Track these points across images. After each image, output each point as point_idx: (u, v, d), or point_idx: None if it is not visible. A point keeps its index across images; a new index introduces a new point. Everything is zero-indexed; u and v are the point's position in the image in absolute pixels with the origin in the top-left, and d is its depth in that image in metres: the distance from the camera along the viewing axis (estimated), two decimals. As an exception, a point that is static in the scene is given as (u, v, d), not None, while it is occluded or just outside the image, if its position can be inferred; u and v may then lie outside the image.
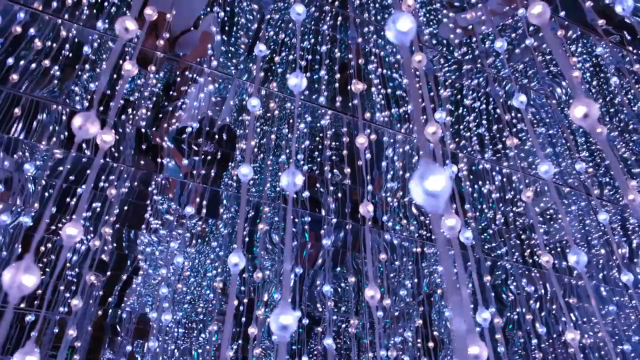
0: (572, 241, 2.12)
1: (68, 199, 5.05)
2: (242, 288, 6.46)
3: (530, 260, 6.43)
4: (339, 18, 5.44)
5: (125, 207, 5.65)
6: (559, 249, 6.84)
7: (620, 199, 5.49)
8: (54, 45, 4.56)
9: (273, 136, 5.21)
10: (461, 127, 6.11)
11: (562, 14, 4.76)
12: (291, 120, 5.71)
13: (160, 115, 5.70)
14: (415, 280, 6.26)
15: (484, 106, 5.94)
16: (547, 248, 6.72)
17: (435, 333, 6.68)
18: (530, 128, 2.09)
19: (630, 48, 4.72)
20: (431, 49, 5.41)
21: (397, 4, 1.20)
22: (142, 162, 5.59)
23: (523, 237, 6.47)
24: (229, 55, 5.53)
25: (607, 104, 5.40)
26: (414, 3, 2.47)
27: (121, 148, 5.14)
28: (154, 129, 5.70)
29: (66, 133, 5.03)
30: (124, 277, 6.33)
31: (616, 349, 6.03)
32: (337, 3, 5.32)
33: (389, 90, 5.67)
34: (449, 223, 1.85)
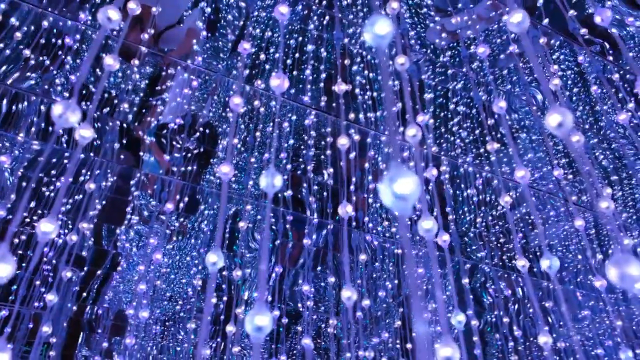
0: (545, 246, 2.15)
1: (46, 192, 4.98)
2: (224, 286, 6.43)
3: (510, 264, 6.50)
4: (327, 17, 5.44)
5: (105, 202, 5.58)
6: (538, 254, 6.93)
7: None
8: (35, 35, 4.49)
9: (258, 133, 5.19)
10: (445, 130, 6.16)
11: (546, 21, 4.82)
12: (276, 119, 5.70)
13: (144, 110, 5.64)
14: (396, 281, 6.28)
15: (468, 110, 5.99)
16: (527, 252, 6.80)
17: (414, 334, 6.72)
18: (509, 133, 2.12)
19: (611, 58, 4.80)
20: (415, 52, 5.45)
21: (376, 7, 1.20)
22: (122, 156, 5.53)
23: (502, 240, 6.55)
24: (214, 51, 5.49)
25: (588, 112, 5.48)
26: (398, 6, 2.48)
27: (102, 142, 5.08)
28: (136, 123, 5.64)
29: (43, 125, 4.95)
30: (103, 273, 6.26)
31: (590, 353, 6.14)
32: (324, 3, 5.32)
33: (374, 93, 5.69)
34: (426, 226, 1.87)
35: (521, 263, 2.80)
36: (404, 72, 2.33)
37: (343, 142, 2.78)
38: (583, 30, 4.65)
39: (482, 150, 5.76)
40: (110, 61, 1.80)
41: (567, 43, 4.83)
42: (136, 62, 3.84)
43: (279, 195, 5.79)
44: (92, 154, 4.91)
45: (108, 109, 4.94)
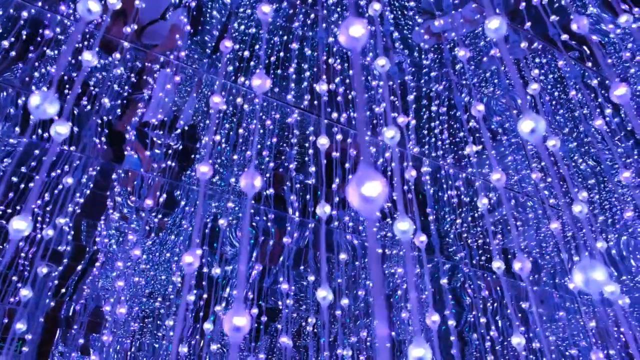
0: (518, 248, 2.18)
1: (24, 185, 4.90)
2: (204, 283, 6.40)
3: (489, 265, 6.58)
4: (312, 16, 5.44)
5: (85, 198, 5.51)
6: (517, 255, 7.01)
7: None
8: (14, 26, 4.41)
9: (241, 130, 5.17)
10: (427, 132, 6.21)
11: (528, 24, 4.88)
12: (261, 117, 5.67)
13: (126, 106, 5.59)
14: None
15: (451, 112, 6.04)
16: (507, 254, 6.89)
17: (393, 334, 6.77)
18: (487, 137, 2.14)
19: (590, 64, 4.88)
20: (398, 54, 5.48)
21: (352, 9, 1.21)
22: (103, 152, 5.47)
23: (481, 242, 6.62)
24: (198, 47, 5.46)
25: (568, 116, 5.57)
26: (380, 7, 2.49)
27: (82, 136, 5.01)
28: (118, 119, 5.58)
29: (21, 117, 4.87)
30: (81, 268, 6.18)
31: (565, 353, 6.25)
32: (309, 1, 5.32)
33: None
34: (402, 227, 1.88)
35: (497, 265, 2.84)
36: (384, 73, 2.35)
37: (323, 142, 2.79)
38: (564, 36, 4.72)
39: (463, 152, 5.82)
40: (89, 57, 1.78)
41: (548, 48, 4.91)
42: (118, 56, 3.80)
43: (262, 192, 5.79)
44: (71, 148, 4.84)
45: (87, 102, 4.86)
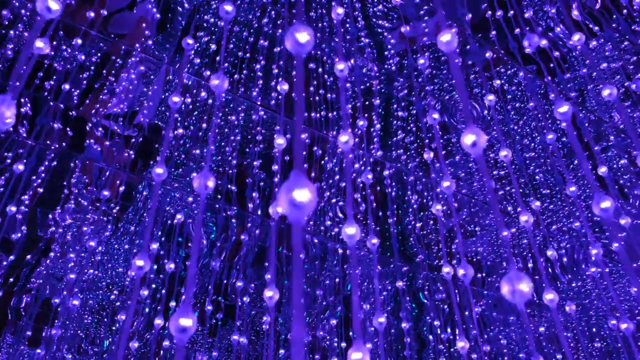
0: (462, 255, 2.25)
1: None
2: (161, 276, 6.32)
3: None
4: (279, 14, 5.44)
5: (41, 186, 5.36)
6: (474, 260, 7.19)
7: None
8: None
9: (205, 125, 5.13)
10: (391, 135, 6.29)
11: (494, 33, 5.00)
12: (226, 112, 5.64)
13: (89, 94, 5.46)
14: (337, 280, 6.36)
15: (414, 117, 6.14)
16: (465, 258, 7.04)
17: (351, 334, 6.84)
18: (439, 145, 2.20)
19: (550, 78, 5.04)
20: (364, 59, 5.53)
21: (300, 15, 1.23)
22: (62, 140, 5.33)
23: (440, 246, 6.76)
24: (165, 39, 5.38)
25: (524, 127, 5.74)
26: (343, 11, 2.52)
27: (38, 124, 4.88)
28: (80, 107, 5.45)
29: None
30: (34, 259, 6.01)
31: (517, 356, 6.43)
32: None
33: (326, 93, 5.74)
34: (349, 232, 1.91)
35: (446, 270, 2.91)
36: (342, 77, 2.37)
37: (280, 142, 2.80)
38: (528, 50, 4.85)
39: (425, 156, 5.90)
40: (41, 44, 1.75)
41: (507, 59, 5.04)
42: (79, 41, 3.70)
43: (224, 189, 5.75)
44: (27, 136, 4.71)
45: (47, 88, 4.74)
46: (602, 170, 3.63)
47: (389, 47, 6.26)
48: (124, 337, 2.31)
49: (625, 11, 4.24)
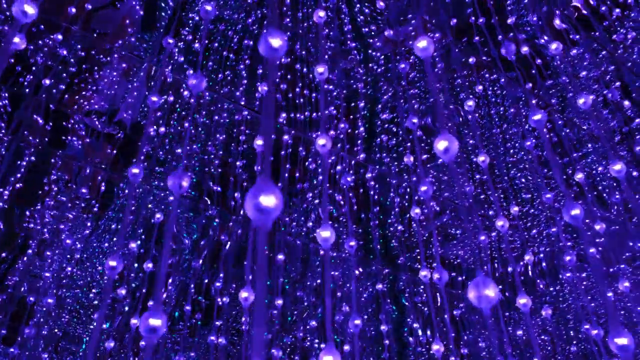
0: (437, 260, 2.27)
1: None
2: (141, 274, 6.26)
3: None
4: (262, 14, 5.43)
5: (20, 183, 5.29)
6: (455, 263, 7.26)
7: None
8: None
9: (187, 124, 5.10)
10: (374, 138, 6.31)
11: (477, 39, 5.05)
12: (210, 112, 5.62)
13: (71, 91, 5.39)
14: (319, 281, 6.37)
15: (397, 120, 6.17)
16: (447, 261, 7.11)
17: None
18: (419, 150, 2.22)
19: (530, 84, 5.10)
20: (347, 62, 5.55)
21: (273, 20, 1.23)
22: (44, 136, 5.26)
23: (418, 250, 6.79)
24: (148, 39, 5.34)
25: (507, 132, 5.80)
26: (325, 14, 2.53)
27: (16, 119, 4.81)
28: (61, 104, 5.38)
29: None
30: (10, 256, 5.91)
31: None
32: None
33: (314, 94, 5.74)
34: (324, 234, 1.92)
35: (423, 273, 2.94)
36: (322, 80, 2.38)
37: (259, 142, 2.80)
38: (512, 57, 4.90)
39: (405, 160, 5.93)
40: (17, 40, 1.73)
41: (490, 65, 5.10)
42: (59, 37, 3.65)
43: (207, 189, 5.73)
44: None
45: (24, 82, 4.67)
46: (579, 176, 3.68)
47: (375, 50, 6.29)
48: (95, 336, 2.30)
49: (606, 22, 4.32)
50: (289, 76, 5.49)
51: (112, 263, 1.75)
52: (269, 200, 0.99)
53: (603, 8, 4.03)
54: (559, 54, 2.82)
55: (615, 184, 5.30)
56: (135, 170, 2.04)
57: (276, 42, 1.27)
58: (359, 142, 5.82)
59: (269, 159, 1.12)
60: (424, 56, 1.71)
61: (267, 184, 1.02)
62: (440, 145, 1.48)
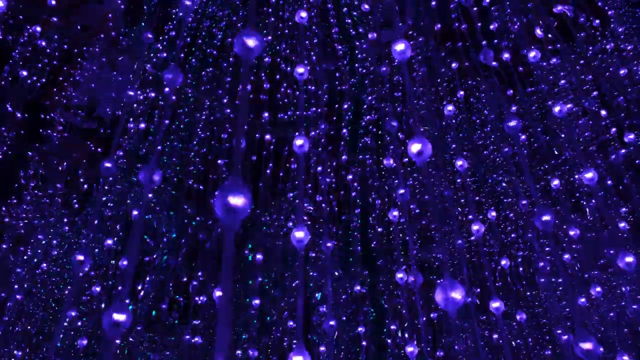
0: (413, 263, 2.28)
1: None
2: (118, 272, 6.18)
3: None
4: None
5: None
6: (435, 266, 7.30)
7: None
8: None
9: (167, 121, 5.04)
10: (357, 140, 6.33)
11: (460, 44, 5.10)
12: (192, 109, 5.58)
13: (50, 85, 5.31)
14: (298, 282, 6.34)
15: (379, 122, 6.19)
16: (425, 263, 7.15)
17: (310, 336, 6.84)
18: (398, 153, 2.23)
19: (512, 91, 5.16)
20: (329, 64, 5.56)
21: (251, 21, 1.23)
22: (20, 131, 5.17)
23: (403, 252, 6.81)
24: (130, 34, 5.28)
25: (488, 137, 5.86)
26: (306, 15, 2.53)
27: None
28: (39, 97, 5.29)
29: None
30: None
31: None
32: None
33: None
34: (298, 235, 1.92)
35: (399, 275, 2.95)
36: (301, 81, 2.38)
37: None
38: (494, 62, 4.96)
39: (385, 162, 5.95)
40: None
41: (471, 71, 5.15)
42: (38, 29, 3.59)
43: (188, 187, 5.68)
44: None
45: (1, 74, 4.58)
46: (555, 182, 3.74)
47: (362, 52, 6.30)
48: (58, 332, 2.26)
49: (584, 33, 4.40)
50: (277, 76, 5.48)
51: (80, 257, 1.72)
52: (237, 200, 0.99)
53: (581, 19, 4.11)
54: (537, 61, 2.86)
55: (590, 192, 5.39)
56: (108, 165, 2.02)
57: (251, 42, 1.26)
58: (342, 143, 5.82)
59: (239, 158, 1.12)
60: (401, 59, 1.72)
61: (236, 184, 1.01)
62: (414, 148, 1.49)
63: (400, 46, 1.70)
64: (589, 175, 2.14)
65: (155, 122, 5.00)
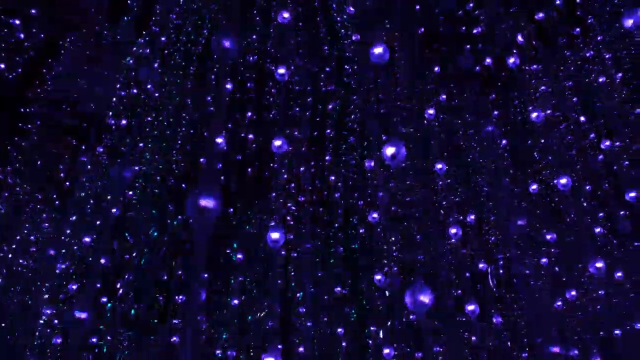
0: (381, 269, 2.29)
1: None
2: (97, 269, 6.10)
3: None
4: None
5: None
6: (415, 268, 7.34)
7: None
8: None
9: (149, 118, 5.01)
10: (341, 141, 6.34)
11: (445, 49, 5.14)
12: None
13: (30, 78, 5.23)
14: (279, 282, 6.33)
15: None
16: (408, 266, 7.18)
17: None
18: (377, 156, 2.23)
19: (495, 95, 5.22)
20: (312, 65, 5.56)
21: (233, 20, 1.23)
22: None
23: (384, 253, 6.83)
24: (113, 29, 5.22)
25: (466, 141, 5.90)
26: (289, 15, 2.53)
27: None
28: (19, 91, 5.21)
29: None
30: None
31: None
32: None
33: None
34: (273, 236, 1.92)
35: (377, 277, 2.96)
36: (282, 81, 2.38)
37: (219, 141, 2.78)
38: (478, 67, 5.01)
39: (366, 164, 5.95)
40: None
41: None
42: (17, 22, 3.53)
43: (170, 186, 5.64)
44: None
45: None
46: (533, 187, 3.79)
47: (348, 54, 6.31)
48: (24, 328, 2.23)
49: (564, 40, 4.46)
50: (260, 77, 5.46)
51: (51, 252, 1.69)
52: (208, 202, 0.99)
53: (562, 28, 4.17)
54: (516, 67, 2.90)
55: (567, 197, 5.46)
56: (83, 159, 1.99)
57: (228, 42, 1.26)
58: (327, 143, 5.83)
59: (212, 158, 1.12)
60: (379, 62, 1.73)
61: (208, 185, 1.02)
62: (388, 151, 1.51)
63: (378, 49, 1.71)
64: (563, 181, 2.18)
65: (134, 119, 4.94)
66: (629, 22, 1.68)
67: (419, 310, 1.19)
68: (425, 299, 1.19)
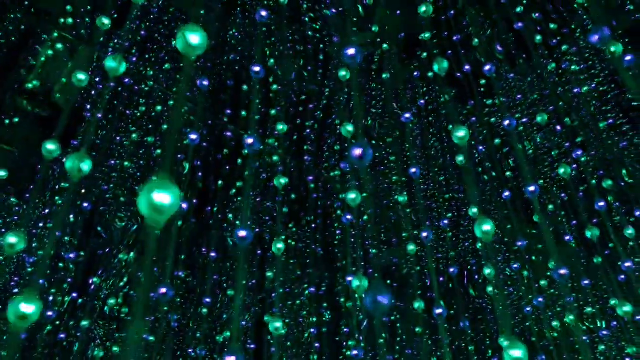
0: (356, 272, 2.30)
1: None
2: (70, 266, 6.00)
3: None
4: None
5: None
6: (391, 270, 7.39)
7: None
8: None
9: (129, 112, 4.95)
10: (323, 144, 6.36)
11: (425, 54, 5.19)
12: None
13: (7, 69, 5.12)
14: (255, 281, 6.32)
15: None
16: (388, 266, 7.23)
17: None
18: (361, 163, 2.25)
19: (473, 102, 5.29)
20: (293, 64, 5.57)
21: (195, 17, 1.22)
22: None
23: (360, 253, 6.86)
24: (89, 19, 5.15)
25: (443, 146, 5.98)
26: (267, 14, 2.52)
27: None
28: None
29: None
30: None
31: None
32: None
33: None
34: (241, 234, 1.91)
35: (349, 279, 2.97)
36: (256, 80, 2.37)
37: (193, 137, 2.76)
38: (458, 74, 5.07)
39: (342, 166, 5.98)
40: None
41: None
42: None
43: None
44: None
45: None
46: (506, 194, 3.84)
47: (333, 55, 6.33)
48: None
49: (541, 50, 4.55)
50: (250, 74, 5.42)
51: (12, 239, 1.63)
52: (163, 198, 0.94)
53: (538, 37, 4.24)
54: (493, 75, 2.94)
55: (541, 202, 5.55)
56: (51, 147, 1.93)
57: (195, 38, 1.24)
58: (308, 144, 5.84)
59: (170, 155, 1.10)
60: (351, 63, 1.74)
61: (164, 181, 0.97)
62: (355, 152, 1.51)
63: (351, 51, 1.72)
64: (531, 189, 2.21)
65: (111, 113, 4.88)
66: (595, 38, 1.72)
67: (377, 313, 1.20)
68: (384, 300, 1.20)
